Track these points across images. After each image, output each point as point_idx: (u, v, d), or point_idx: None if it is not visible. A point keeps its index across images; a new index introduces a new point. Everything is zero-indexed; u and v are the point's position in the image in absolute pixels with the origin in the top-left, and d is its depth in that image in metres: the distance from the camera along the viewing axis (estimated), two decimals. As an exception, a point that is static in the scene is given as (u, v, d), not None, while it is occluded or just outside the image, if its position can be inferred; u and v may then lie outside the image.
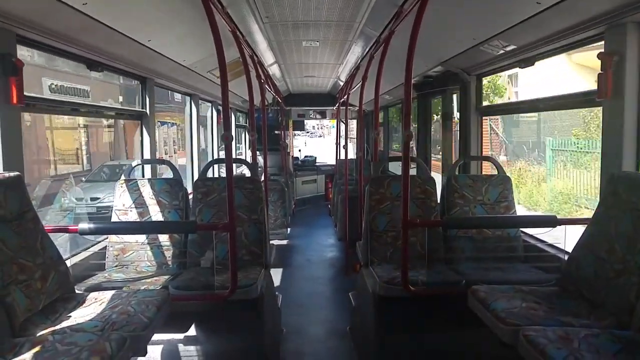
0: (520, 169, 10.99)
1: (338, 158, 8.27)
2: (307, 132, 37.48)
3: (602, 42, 2.61)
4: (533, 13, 2.64)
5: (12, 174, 2.22)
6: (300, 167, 11.60)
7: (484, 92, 4.54)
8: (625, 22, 2.40)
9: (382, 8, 3.48)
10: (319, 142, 31.12)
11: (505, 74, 10.01)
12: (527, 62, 3.40)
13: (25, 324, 2.04)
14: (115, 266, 3.37)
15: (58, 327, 2.05)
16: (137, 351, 2.06)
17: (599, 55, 2.53)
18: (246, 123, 9.69)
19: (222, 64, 2.50)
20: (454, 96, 4.86)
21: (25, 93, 2.46)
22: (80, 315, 2.17)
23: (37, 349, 1.77)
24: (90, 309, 2.23)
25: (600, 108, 2.72)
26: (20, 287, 2.07)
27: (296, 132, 14.26)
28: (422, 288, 2.91)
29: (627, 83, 2.45)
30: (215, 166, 6.08)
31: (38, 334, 1.98)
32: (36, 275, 2.18)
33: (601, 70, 2.52)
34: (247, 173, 6.45)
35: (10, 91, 2.35)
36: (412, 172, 3.31)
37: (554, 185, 9.90)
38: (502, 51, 3.42)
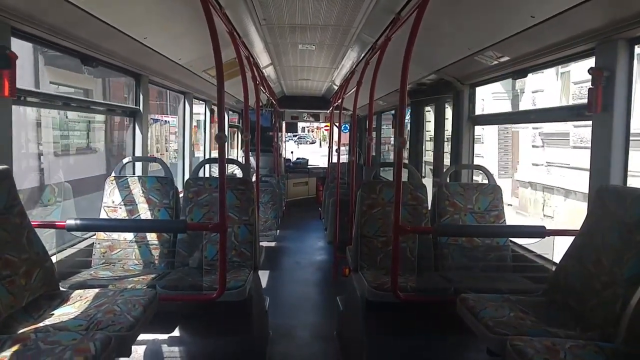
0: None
1: (330, 161, 8.28)
2: (295, 136, 29.50)
3: (593, 58, 2.66)
4: (527, 26, 2.68)
5: (0, 167, 2.19)
6: (292, 169, 11.59)
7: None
8: (616, 39, 2.45)
9: (379, 14, 3.50)
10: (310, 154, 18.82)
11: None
12: (520, 74, 3.45)
13: (8, 321, 1.98)
14: (102, 264, 3.32)
15: (41, 324, 2.01)
16: (122, 351, 2.02)
17: (590, 70, 2.58)
18: (239, 123, 9.66)
19: (219, 64, 2.49)
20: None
21: (18, 86, 2.43)
22: (64, 313, 2.12)
23: (18, 347, 1.72)
24: (74, 307, 2.19)
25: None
26: (4, 283, 2.02)
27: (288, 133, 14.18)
28: (411, 294, 2.91)
29: (617, 98, 2.50)
30: (207, 166, 6.04)
31: (20, 332, 1.93)
32: (20, 271, 2.13)
33: (591, 85, 2.56)
34: (238, 173, 6.42)
35: (3, 83, 2.32)
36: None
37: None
38: (495, 62, 3.47)
